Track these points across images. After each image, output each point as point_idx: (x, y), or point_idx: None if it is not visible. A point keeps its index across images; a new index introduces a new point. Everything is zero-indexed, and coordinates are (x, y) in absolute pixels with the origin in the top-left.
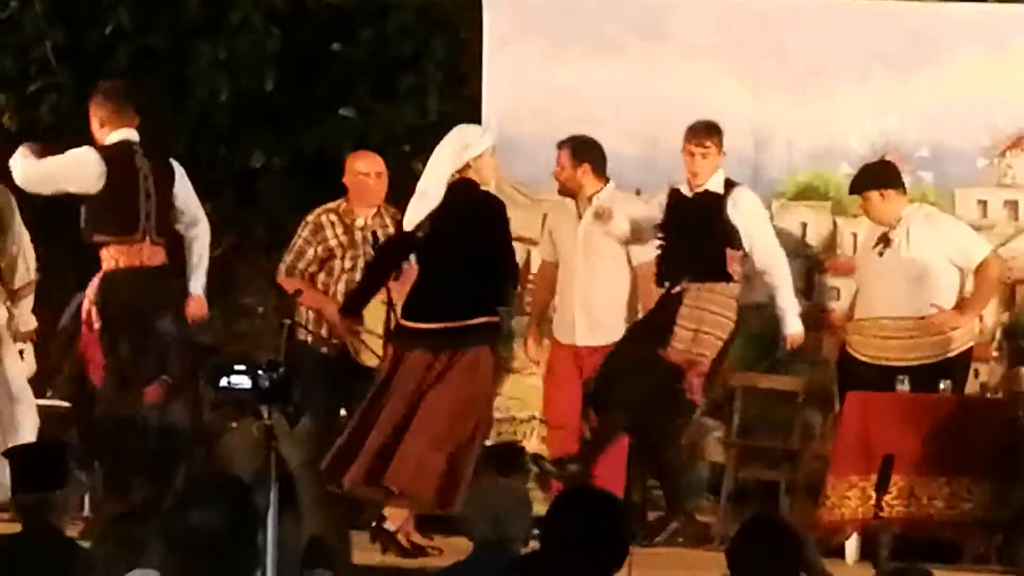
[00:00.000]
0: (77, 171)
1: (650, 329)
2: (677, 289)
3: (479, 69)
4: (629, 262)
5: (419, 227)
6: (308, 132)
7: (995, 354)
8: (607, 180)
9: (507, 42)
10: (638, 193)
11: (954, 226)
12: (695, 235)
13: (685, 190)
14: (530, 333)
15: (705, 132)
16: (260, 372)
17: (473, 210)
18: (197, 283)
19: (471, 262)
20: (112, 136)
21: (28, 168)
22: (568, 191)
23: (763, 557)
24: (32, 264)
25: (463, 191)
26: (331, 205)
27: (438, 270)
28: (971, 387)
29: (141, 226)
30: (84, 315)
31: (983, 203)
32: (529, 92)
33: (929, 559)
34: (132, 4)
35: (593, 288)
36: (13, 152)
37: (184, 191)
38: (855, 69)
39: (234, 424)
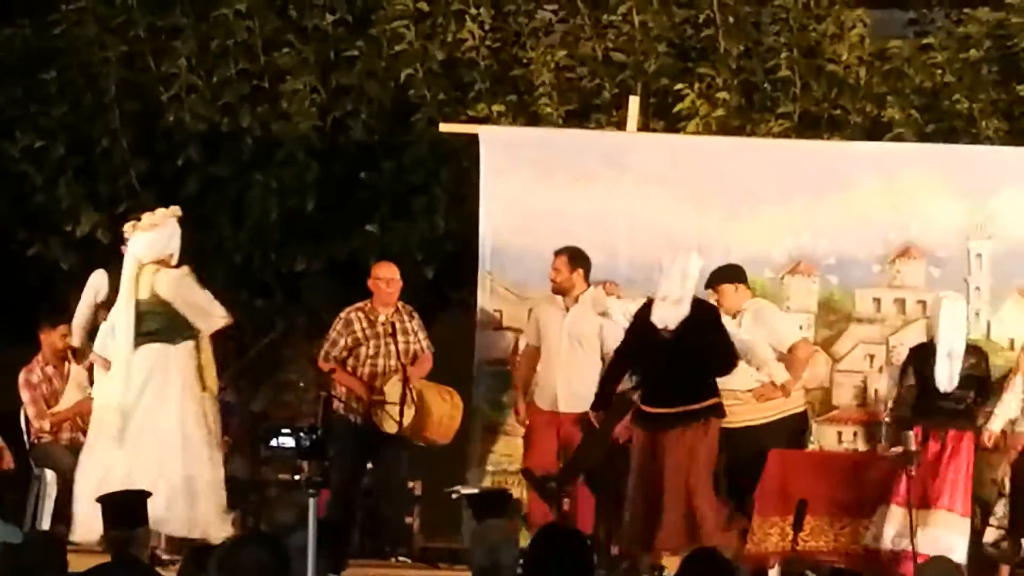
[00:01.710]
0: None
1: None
2: None
3: (478, 193)
4: (602, 347)
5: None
6: (341, 243)
7: (887, 419)
8: (590, 284)
9: (500, 171)
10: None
11: (775, 317)
12: None
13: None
14: (519, 402)
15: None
16: (302, 434)
17: (711, 317)
18: None
19: (709, 357)
20: None
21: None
22: (561, 290)
23: None
24: None
25: (699, 302)
26: (359, 304)
27: (684, 363)
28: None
29: None
30: None
31: (877, 300)
32: (518, 212)
33: None
34: (200, 141)
35: (574, 366)
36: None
37: None
38: (777, 195)
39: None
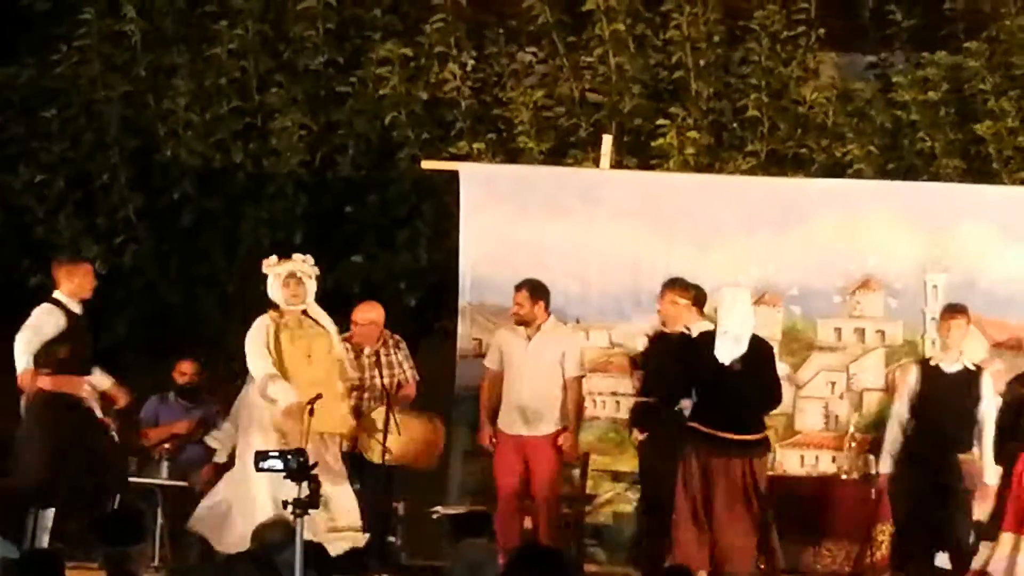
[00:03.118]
0: None
1: None
2: None
3: (458, 227)
4: (563, 375)
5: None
6: (328, 273)
7: (850, 445)
8: (550, 314)
9: (480, 206)
10: (577, 322)
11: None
12: None
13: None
14: (484, 426)
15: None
16: (289, 457)
17: (766, 355)
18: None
19: (761, 392)
20: None
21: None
22: (523, 321)
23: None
24: None
25: (756, 339)
26: (344, 335)
27: (742, 395)
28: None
29: None
30: None
31: (838, 330)
32: (497, 245)
33: None
34: (195, 176)
35: (537, 393)
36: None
37: None
38: (744, 228)
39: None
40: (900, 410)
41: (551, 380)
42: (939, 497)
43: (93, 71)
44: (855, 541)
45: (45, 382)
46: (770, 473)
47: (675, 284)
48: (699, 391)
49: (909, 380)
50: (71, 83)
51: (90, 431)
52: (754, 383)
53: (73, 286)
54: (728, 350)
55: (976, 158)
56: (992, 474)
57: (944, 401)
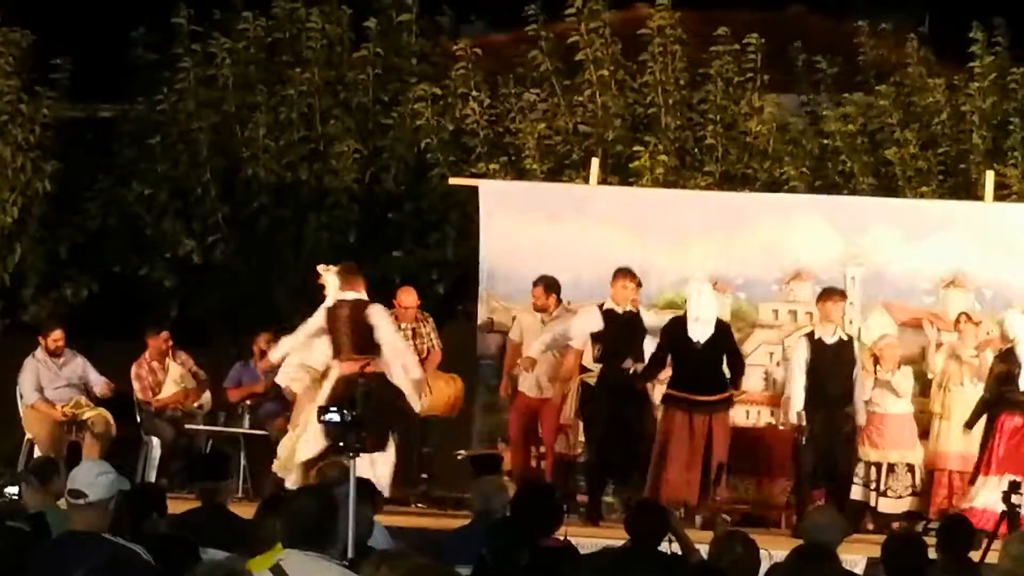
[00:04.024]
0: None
1: None
2: None
3: (478, 230)
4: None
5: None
6: (375, 265)
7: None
8: (560, 302)
9: (494, 214)
10: (569, 304)
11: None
12: None
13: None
14: (504, 384)
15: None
16: (344, 411)
17: (727, 333)
18: (396, 373)
19: (730, 360)
20: (348, 294)
21: (286, 345)
22: (540, 309)
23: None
24: None
25: (719, 322)
26: (391, 312)
27: (714, 363)
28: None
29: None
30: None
31: (776, 311)
32: (508, 244)
33: (743, 526)
34: (270, 190)
35: (545, 365)
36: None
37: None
38: (702, 232)
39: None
40: (797, 374)
41: (558, 356)
42: (831, 440)
43: (189, 107)
44: (789, 477)
45: None
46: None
47: (625, 272)
48: (678, 363)
49: (800, 350)
50: (172, 117)
51: None
52: (720, 355)
53: None
54: (699, 331)
55: (885, 177)
56: (863, 418)
57: (827, 365)
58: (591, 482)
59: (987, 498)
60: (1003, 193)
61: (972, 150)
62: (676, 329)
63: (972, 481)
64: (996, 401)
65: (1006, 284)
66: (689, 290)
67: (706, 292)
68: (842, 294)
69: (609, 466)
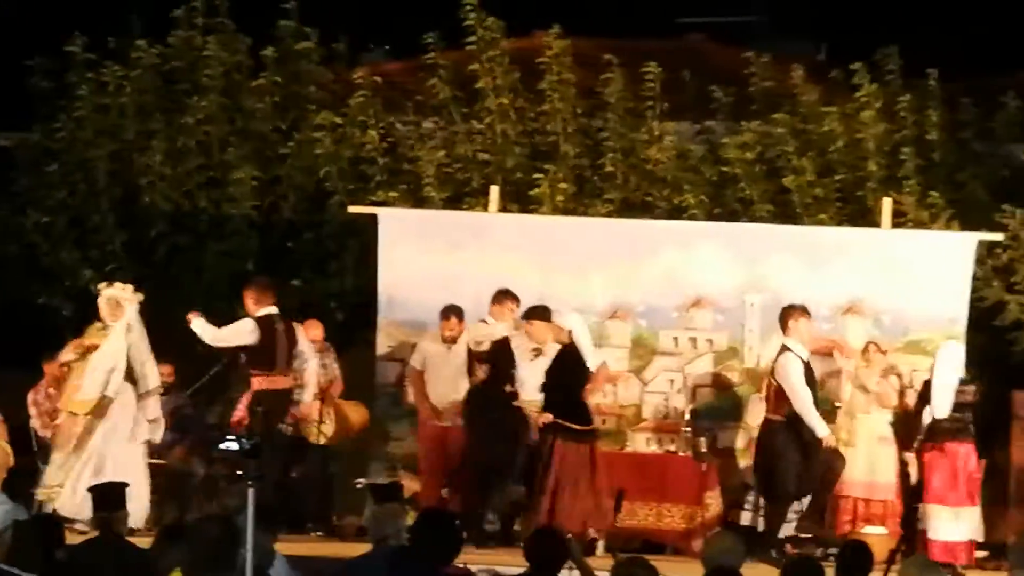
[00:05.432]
0: (242, 333)
1: None
2: None
3: (377, 259)
4: (469, 374)
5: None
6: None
7: (685, 430)
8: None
9: (394, 242)
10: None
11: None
12: None
13: None
14: (422, 406)
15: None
16: (242, 439)
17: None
18: (308, 394)
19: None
20: (262, 311)
21: (213, 332)
22: (454, 340)
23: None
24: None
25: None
26: None
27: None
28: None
29: (278, 364)
30: (238, 414)
31: (676, 338)
32: (407, 273)
33: (643, 552)
34: (168, 218)
35: (452, 389)
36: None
37: (301, 342)
38: (602, 259)
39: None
40: (801, 389)
41: (461, 379)
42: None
43: (87, 135)
44: (689, 504)
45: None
46: (623, 451)
47: (507, 294)
48: (563, 393)
49: (795, 364)
50: (69, 145)
51: None
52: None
53: None
54: (591, 361)
55: (783, 204)
56: (821, 428)
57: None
58: (479, 491)
59: (950, 531)
60: (900, 220)
61: (868, 177)
62: (566, 360)
63: (910, 510)
64: (938, 429)
65: (903, 310)
66: (572, 322)
67: (583, 323)
68: (803, 311)
69: (490, 472)
